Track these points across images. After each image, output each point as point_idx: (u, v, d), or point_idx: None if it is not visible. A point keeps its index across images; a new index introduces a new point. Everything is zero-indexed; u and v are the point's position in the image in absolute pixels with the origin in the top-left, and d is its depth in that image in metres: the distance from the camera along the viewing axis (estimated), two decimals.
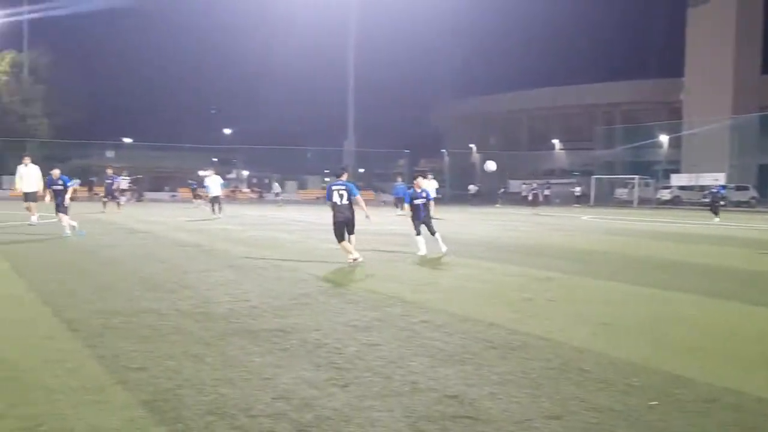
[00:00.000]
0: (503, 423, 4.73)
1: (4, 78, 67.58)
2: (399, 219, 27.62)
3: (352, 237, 13.84)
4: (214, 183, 30.43)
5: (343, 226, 13.56)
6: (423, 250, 15.39)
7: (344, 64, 77.79)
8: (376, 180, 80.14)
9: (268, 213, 37.07)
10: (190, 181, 47.97)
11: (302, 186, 78.38)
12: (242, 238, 19.97)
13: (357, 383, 5.56)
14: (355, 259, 13.44)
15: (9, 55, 69.22)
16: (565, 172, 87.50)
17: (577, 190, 68.45)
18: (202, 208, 34.55)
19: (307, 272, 12.32)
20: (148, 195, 59.95)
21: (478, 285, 11.28)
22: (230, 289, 10.29)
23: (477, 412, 4.93)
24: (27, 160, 22.18)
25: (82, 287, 10.16)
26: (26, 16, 68.92)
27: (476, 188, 62.82)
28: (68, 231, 18.15)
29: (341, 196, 13.50)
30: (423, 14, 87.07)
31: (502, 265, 14.17)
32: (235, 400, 5.07)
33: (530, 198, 50.12)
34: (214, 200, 30.28)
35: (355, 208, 13.67)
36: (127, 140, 78.65)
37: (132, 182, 51.98)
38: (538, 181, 61.47)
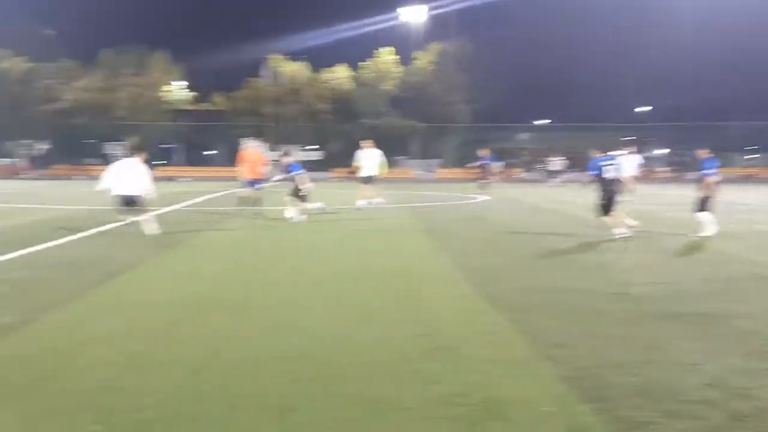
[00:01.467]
0: None
1: (431, 68, 72.94)
2: None
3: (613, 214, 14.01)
4: (629, 163, 29.12)
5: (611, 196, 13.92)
6: None
7: None
8: None
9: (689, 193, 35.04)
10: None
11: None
12: (660, 219, 19.28)
13: None
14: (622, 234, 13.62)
15: (436, 46, 74.56)
16: None
17: None
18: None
19: (733, 255, 11.53)
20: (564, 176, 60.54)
21: None
22: (649, 270, 10.01)
23: None
24: (367, 143, 22.93)
25: (503, 264, 10.60)
26: (453, 7, 73.68)
27: None
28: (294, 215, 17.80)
29: (611, 167, 14.07)
30: None
31: None
32: (661, 383, 4.92)
33: None
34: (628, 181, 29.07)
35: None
36: (543, 122, 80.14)
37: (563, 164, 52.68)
38: None
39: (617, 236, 13.51)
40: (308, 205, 17.70)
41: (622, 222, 14.01)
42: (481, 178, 32.76)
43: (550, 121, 78.82)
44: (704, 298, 7.94)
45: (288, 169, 17.92)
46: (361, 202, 21.74)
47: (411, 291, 8.44)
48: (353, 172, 24.25)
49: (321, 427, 4.13)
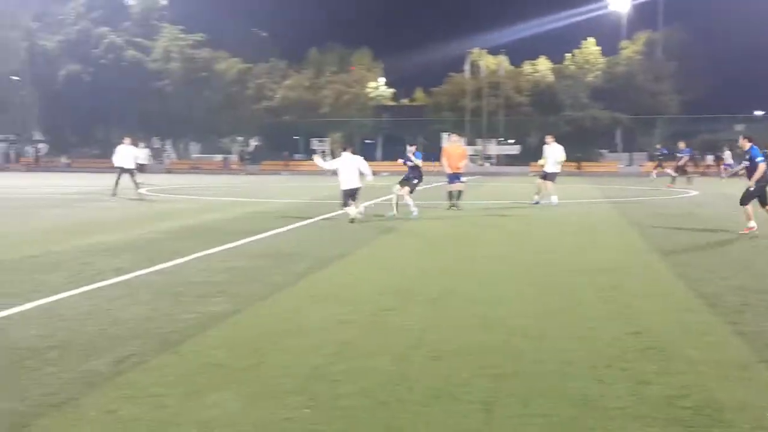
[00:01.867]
0: None
1: (638, 57, 70.32)
2: None
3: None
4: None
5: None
6: None
7: None
8: None
9: None
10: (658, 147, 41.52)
11: None
12: None
13: None
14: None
15: (644, 35, 71.78)
16: None
17: None
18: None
19: None
20: None
21: None
22: None
23: None
24: (549, 138, 22.07)
25: (718, 263, 10.09)
26: None
27: None
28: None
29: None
30: None
31: None
32: None
33: None
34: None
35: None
36: (759, 112, 75.08)
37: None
38: None
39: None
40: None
41: None
42: (683, 172, 31.55)
43: (764, 112, 73.75)
44: None
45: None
46: (553, 198, 21.16)
47: (618, 287, 8.23)
48: (538, 168, 23.88)
49: (526, 423, 4.11)
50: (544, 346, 5.70)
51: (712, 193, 27.28)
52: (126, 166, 24.10)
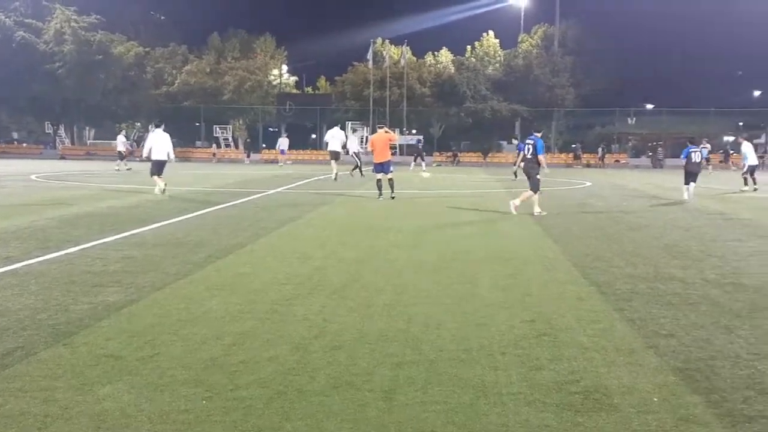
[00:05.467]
0: None
1: (536, 51, 71.98)
2: None
3: (533, 194, 15.50)
4: (749, 150, 27.75)
5: (526, 176, 15.78)
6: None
7: None
8: None
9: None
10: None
11: None
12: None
13: None
14: (539, 213, 15.25)
15: (541, 29, 73.54)
16: None
17: None
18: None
19: None
20: (669, 162, 58.89)
21: None
22: (763, 260, 9.68)
23: None
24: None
25: (609, 252, 10.43)
26: None
27: None
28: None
29: (528, 149, 15.71)
30: None
31: None
32: None
33: None
34: (752, 169, 27.73)
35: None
36: (648, 106, 77.98)
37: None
38: None
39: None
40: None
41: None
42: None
43: (652, 106, 76.73)
44: None
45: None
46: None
47: (516, 276, 8.43)
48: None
49: (424, 410, 4.17)
50: (443, 334, 5.79)
51: (605, 184, 28.18)
52: None
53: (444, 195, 21.88)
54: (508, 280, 8.21)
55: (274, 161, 53.75)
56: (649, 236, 12.22)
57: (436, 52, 74.64)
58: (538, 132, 16.20)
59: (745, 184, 25.70)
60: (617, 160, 62.79)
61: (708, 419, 4.06)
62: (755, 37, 73.33)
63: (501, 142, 71.87)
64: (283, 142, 48.69)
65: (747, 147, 26.34)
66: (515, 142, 37.71)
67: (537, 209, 15.42)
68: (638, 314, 6.52)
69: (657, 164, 57.09)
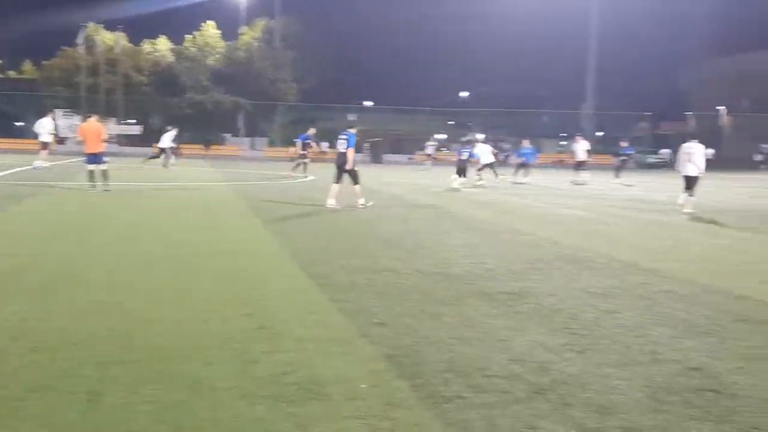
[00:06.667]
0: (751, 399, 4.48)
1: (257, 44, 72.11)
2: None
3: (356, 186, 16.30)
4: (483, 151, 29.84)
5: (339, 170, 16.20)
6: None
7: (583, 24, 75.48)
8: (615, 144, 76.83)
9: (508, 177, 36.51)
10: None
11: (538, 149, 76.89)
12: (480, 201, 20.12)
13: (594, 350, 5.48)
14: (363, 205, 15.99)
15: (262, 22, 73.75)
16: None
17: None
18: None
19: (543, 237, 12.23)
20: (386, 157, 61.72)
21: (726, 254, 10.66)
22: (467, 251, 10.42)
23: (722, 387, 4.70)
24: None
25: (330, 245, 10.71)
26: None
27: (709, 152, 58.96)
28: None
29: (341, 144, 16.24)
30: None
31: (756, 234, 13.29)
32: (472, 359, 5.17)
33: None
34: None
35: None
36: (368, 103, 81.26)
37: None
38: None
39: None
40: None
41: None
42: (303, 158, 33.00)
43: (372, 103, 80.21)
44: (516, 277, 8.36)
45: None
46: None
47: (237, 270, 8.39)
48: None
49: (133, 411, 4.01)
50: (158, 331, 5.62)
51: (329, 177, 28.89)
52: None
53: (166, 188, 21.30)
54: (229, 274, 8.14)
55: None
56: (367, 229, 12.71)
57: (154, 40, 72.28)
58: (352, 128, 16.59)
59: (493, 177, 29.30)
60: None
61: (412, 402, 4.29)
62: (463, 44, 79.05)
63: (224, 134, 71.26)
64: None
65: (482, 148, 29.51)
66: (455, 146, 38.05)
67: (361, 201, 16.09)
68: (354, 305, 6.75)
69: (377, 159, 59.58)
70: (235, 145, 67.26)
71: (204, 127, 67.46)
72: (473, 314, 6.52)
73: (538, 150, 38.29)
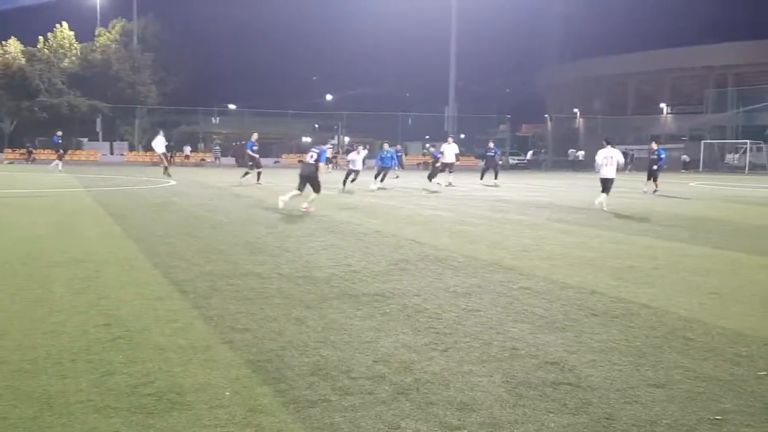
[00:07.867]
0: (605, 390, 4.67)
1: (114, 46, 69.89)
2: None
3: (315, 194, 16.95)
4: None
5: (305, 179, 16.77)
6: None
7: (446, 29, 77.26)
8: (477, 146, 79.18)
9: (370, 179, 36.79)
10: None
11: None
12: (343, 203, 20.18)
13: (456, 348, 5.59)
14: (306, 209, 16.58)
15: (119, 24, 71.56)
16: (673, 138, 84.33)
17: (685, 156, 66.90)
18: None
19: (406, 238, 12.38)
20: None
21: (580, 252, 11.10)
22: (331, 253, 10.43)
23: (578, 379, 4.88)
24: None
25: (191, 251, 10.47)
26: None
27: (580, 153, 61.97)
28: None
29: (311, 156, 16.89)
30: None
31: (606, 231, 13.90)
32: (336, 361, 5.16)
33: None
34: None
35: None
36: (231, 107, 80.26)
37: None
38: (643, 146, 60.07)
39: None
40: None
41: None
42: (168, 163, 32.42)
43: (235, 106, 79.42)
44: (380, 279, 8.43)
45: None
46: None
47: (93, 278, 8.07)
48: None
49: None
50: (5, 344, 5.34)
51: (190, 182, 28.34)
52: None
53: (16, 195, 20.29)
54: (83, 283, 7.83)
55: None
56: (230, 233, 12.51)
57: (4, 42, 68.81)
58: (325, 144, 18.32)
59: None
60: (203, 159, 63.57)
61: (275, 408, 4.24)
62: (328, 48, 79.43)
63: (81, 138, 68.60)
64: None
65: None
66: (432, 150, 38.07)
67: (305, 204, 16.72)
68: (216, 311, 6.62)
69: (241, 163, 58.83)
70: (94, 150, 64.86)
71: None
72: (338, 317, 6.52)
73: (403, 151, 38.90)
